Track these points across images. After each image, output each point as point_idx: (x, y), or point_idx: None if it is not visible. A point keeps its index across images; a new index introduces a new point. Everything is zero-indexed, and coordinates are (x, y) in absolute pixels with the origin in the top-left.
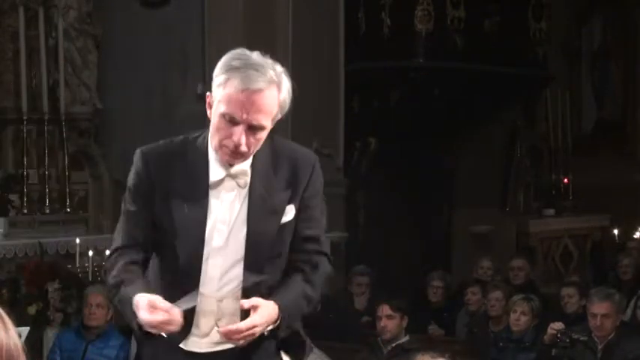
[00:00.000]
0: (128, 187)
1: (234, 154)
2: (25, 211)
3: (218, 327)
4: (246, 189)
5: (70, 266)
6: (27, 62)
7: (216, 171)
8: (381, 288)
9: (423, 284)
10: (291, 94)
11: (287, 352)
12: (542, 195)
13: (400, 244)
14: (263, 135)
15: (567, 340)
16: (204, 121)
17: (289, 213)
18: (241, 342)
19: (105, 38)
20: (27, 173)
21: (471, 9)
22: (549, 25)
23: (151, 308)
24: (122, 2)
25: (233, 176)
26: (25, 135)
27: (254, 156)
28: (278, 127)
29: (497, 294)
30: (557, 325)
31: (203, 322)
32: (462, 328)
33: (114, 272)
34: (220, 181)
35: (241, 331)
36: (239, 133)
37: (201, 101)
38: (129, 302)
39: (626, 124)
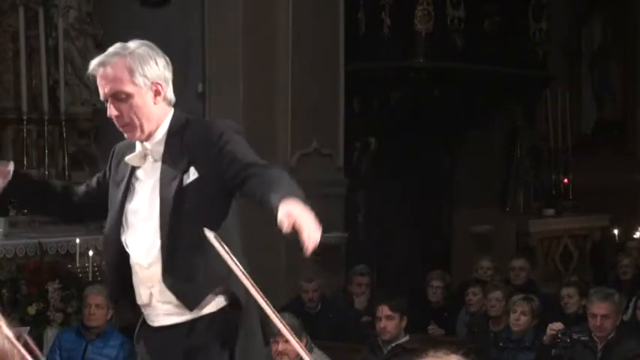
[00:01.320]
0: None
1: (124, 129)
2: (25, 211)
3: (152, 294)
4: (160, 163)
5: (70, 266)
6: (27, 62)
7: (136, 150)
8: (381, 288)
9: (423, 284)
10: (159, 64)
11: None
12: (542, 195)
13: (400, 244)
14: (134, 101)
15: (567, 340)
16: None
17: (192, 175)
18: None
19: (105, 38)
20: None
21: (471, 9)
22: (549, 25)
23: None
24: (122, 2)
25: (143, 152)
26: (25, 135)
27: (168, 132)
28: (279, 125)
29: (497, 294)
30: (557, 326)
31: (142, 292)
32: (462, 328)
33: None
34: (137, 160)
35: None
36: (110, 108)
37: (201, 101)
38: None
39: (626, 124)
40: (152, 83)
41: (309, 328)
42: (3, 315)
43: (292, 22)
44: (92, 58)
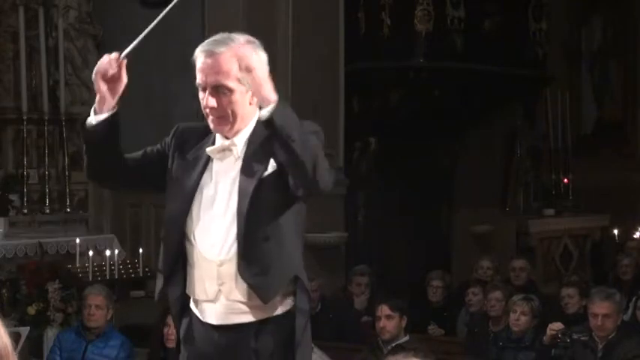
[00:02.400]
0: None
1: (215, 120)
2: (25, 211)
3: (221, 291)
4: (241, 161)
5: (70, 266)
6: (27, 62)
7: (215, 143)
8: (381, 288)
9: (423, 284)
10: (264, 65)
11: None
12: (542, 195)
13: (400, 244)
14: (233, 97)
15: (567, 340)
16: (204, 121)
17: (270, 168)
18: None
19: (105, 38)
20: (27, 173)
21: (471, 9)
22: (549, 25)
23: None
24: (122, 2)
25: (227, 147)
26: (25, 135)
27: (253, 131)
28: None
29: (497, 294)
30: (557, 326)
31: (209, 287)
32: (462, 328)
33: None
34: (218, 153)
35: None
36: (206, 97)
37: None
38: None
39: (626, 124)
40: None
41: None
42: (3, 315)
43: (292, 22)
44: (92, 58)
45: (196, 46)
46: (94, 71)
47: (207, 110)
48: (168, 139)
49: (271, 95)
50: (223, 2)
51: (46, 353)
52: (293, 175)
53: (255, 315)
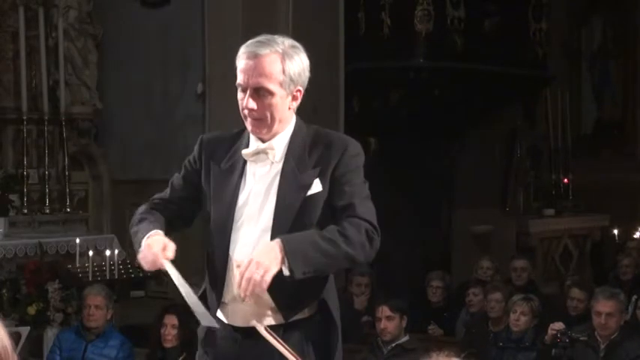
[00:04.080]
0: (184, 163)
1: (253, 122)
2: (25, 211)
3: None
4: (281, 164)
5: (70, 266)
6: (27, 62)
7: (250, 146)
8: (381, 288)
9: (423, 284)
10: (306, 71)
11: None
12: (542, 195)
13: (400, 244)
14: (274, 101)
15: (567, 340)
16: (204, 121)
17: (315, 187)
18: (250, 287)
19: (105, 38)
20: (27, 173)
21: (471, 9)
22: (549, 25)
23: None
24: (122, 2)
25: (263, 150)
26: (25, 135)
27: (292, 136)
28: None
29: (496, 295)
30: (557, 325)
31: (237, 288)
32: (462, 329)
33: (140, 210)
34: (253, 155)
35: (242, 273)
36: (246, 98)
37: (201, 101)
38: (142, 235)
39: (626, 124)
40: (295, 89)
41: None
42: (3, 315)
43: (292, 22)
44: (92, 58)
45: (196, 46)
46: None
47: (246, 112)
48: (195, 155)
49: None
50: (223, 2)
51: (46, 353)
52: None
53: (282, 318)
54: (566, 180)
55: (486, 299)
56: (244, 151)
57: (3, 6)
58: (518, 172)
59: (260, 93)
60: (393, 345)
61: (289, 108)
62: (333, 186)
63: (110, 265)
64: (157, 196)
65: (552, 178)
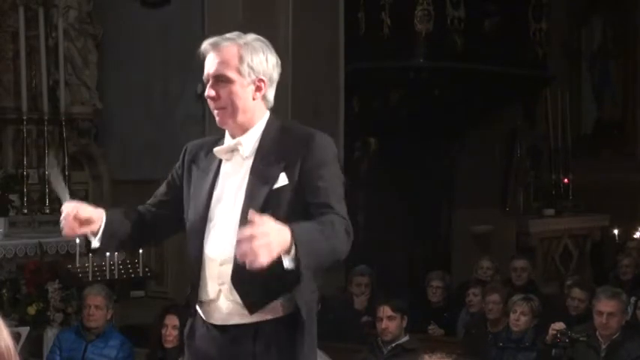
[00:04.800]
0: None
1: (218, 113)
2: (25, 211)
3: (221, 291)
4: (251, 160)
5: (70, 266)
6: (27, 62)
7: (225, 143)
8: (381, 288)
9: (423, 284)
10: (271, 64)
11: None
12: (542, 195)
13: (400, 244)
14: (233, 88)
15: (566, 340)
16: (204, 121)
17: (281, 180)
18: (255, 256)
19: (105, 38)
20: (27, 173)
21: (471, 9)
22: (549, 25)
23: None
24: (122, 2)
25: (233, 147)
26: (25, 135)
27: (264, 132)
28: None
29: (494, 297)
30: (558, 325)
31: (210, 287)
32: (462, 329)
33: None
34: (226, 153)
35: (247, 235)
36: (209, 88)
37: (201, 101)
38: None
39: (626, 124)
40: (256, 78)
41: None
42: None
43: (292, 22)
44: (92, 58)
45: (196, 45)
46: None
47: (210, 102)
48: (179, 162)
49: (288, 239)
50: (223, 2)
51: (46, 353)
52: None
53: (255, 316)
54: (566, 180)
55: (484, 301)
56: (215, 149)
57: (3, 6)
58: (518, 172)
59: (220, 80)
60: (393, 345)
61: (254, 99)
62: (305, 180)
63: (110, 265)
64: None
65: (552, 178)
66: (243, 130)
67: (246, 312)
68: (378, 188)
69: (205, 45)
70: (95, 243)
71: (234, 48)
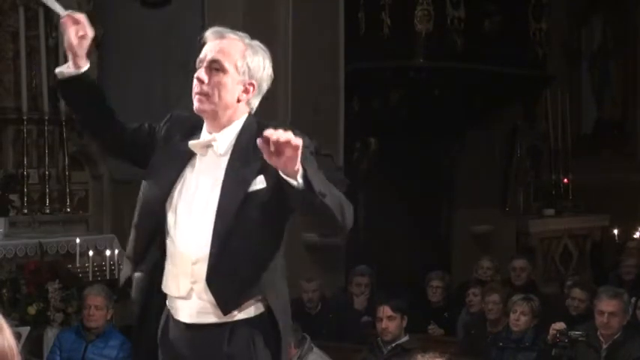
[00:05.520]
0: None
1: (199, 98)
2: (25, 211)
3: (193, 290)
4: (227, 158)
5: (70, 266)
6: (27, 62)
7: (198, 137)
8: (381, 288)
9: (423, 284)
10: (266, 73)
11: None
12: (542, 195)
13: (400, 244)
14: (225, 79)
15: (565, 340)
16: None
17: (259, 183)
18: (293, 163)
19: (105, 38)
20: (27, 173)
21: (471, 9)
22: (549, 25)
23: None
24: (122, 2)
25: (208, 143)
26: (25, 135)
27: (241, 131)
28: (278, 126)
29: (493, 297)
30: (559, 325)
31: (182, 284)
32: (462, 329)
33: None
34: (200, 149)
35: (294, 143)
36: (202, 70)
37: None
38: None
39: (626, 124)
40: (249, 80)
41: (309, 328)
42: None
43: (292, 22)
44: (92, 58)
45: (196, 45)
46: (69, 33)
47: (196, 83)
48: (161, 124)
49: (297, 165)
50: (223, 2)
51: (46, 353)
52: (323, 225)
53: (228, 316)
54: (566, 180)
55: (484, 301)
56: (190, 143)
57: (3, 6)
58: (518, 172)
59: (214, 67)
60: (393, 345)
61: (239, 99)
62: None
63: (110, 265)
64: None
65: (552, 178)
66: (221, 126)
67: (218, 311)
68: (378, 188)
69: (211, 31)
70: (84, 63)
71: (240, 43)
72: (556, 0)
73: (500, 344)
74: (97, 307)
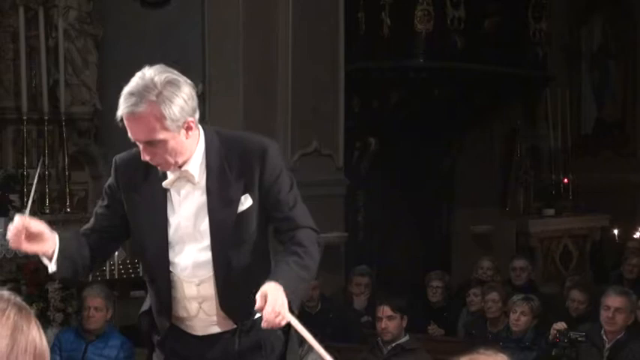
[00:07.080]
0: (104, 188)
1: (158, 166)
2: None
3: (202, 309)
4: (203, 183)
5: None
6: (27, 62)
7: (169, 175)
8: (381, 288)
9: (423, 284)
10: (190, 101)
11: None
12: (542, 195)
13: (400, 244)
14: (168, 145)
15: (565, 341)
16: (204, 121)
17: (245, 202)
18: (280, 324)
19: (105, 38)
20: (27, 173)
21: (471, 9)
22: (549, 25)
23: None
24: (122, 2)
25: (182, 177)
26: (25, 135)
27: (206, 152)
28: (278, 126)
29: (493, 295)
30: (559, 326)
31: (189, 305)
32: (462, 329)
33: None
34: (173, 185)
35: (272, 314)
36: (143, 152)
37: (201, 101)
38: None
39: (626, 124)
40: (183, 122)
41: (309, 328)
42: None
43: (292, 22)
44: (92, 58)
45: (196, 45)
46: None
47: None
48: (112, 182)
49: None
50: (223, 2)
51: None
52: None
53: (236, 325)
54: (566, 180)
55: (484, 300)
56: (164, 183)
57: (3, 6)
58: (518, 172)
59: (152, 144)
60: (393, 345)
61: (187, 138)
62: (266, 195)
63: (110, 265)
64: (83, 227)
65: (552, 178)
66: (185, 161)
67: (229, 321)
68: (377, 188)
69: (121, 111)
70: (52, 267)
71: (150, 110)
72: (556, 0)
73: (500, 344)
74: (96, 309)
